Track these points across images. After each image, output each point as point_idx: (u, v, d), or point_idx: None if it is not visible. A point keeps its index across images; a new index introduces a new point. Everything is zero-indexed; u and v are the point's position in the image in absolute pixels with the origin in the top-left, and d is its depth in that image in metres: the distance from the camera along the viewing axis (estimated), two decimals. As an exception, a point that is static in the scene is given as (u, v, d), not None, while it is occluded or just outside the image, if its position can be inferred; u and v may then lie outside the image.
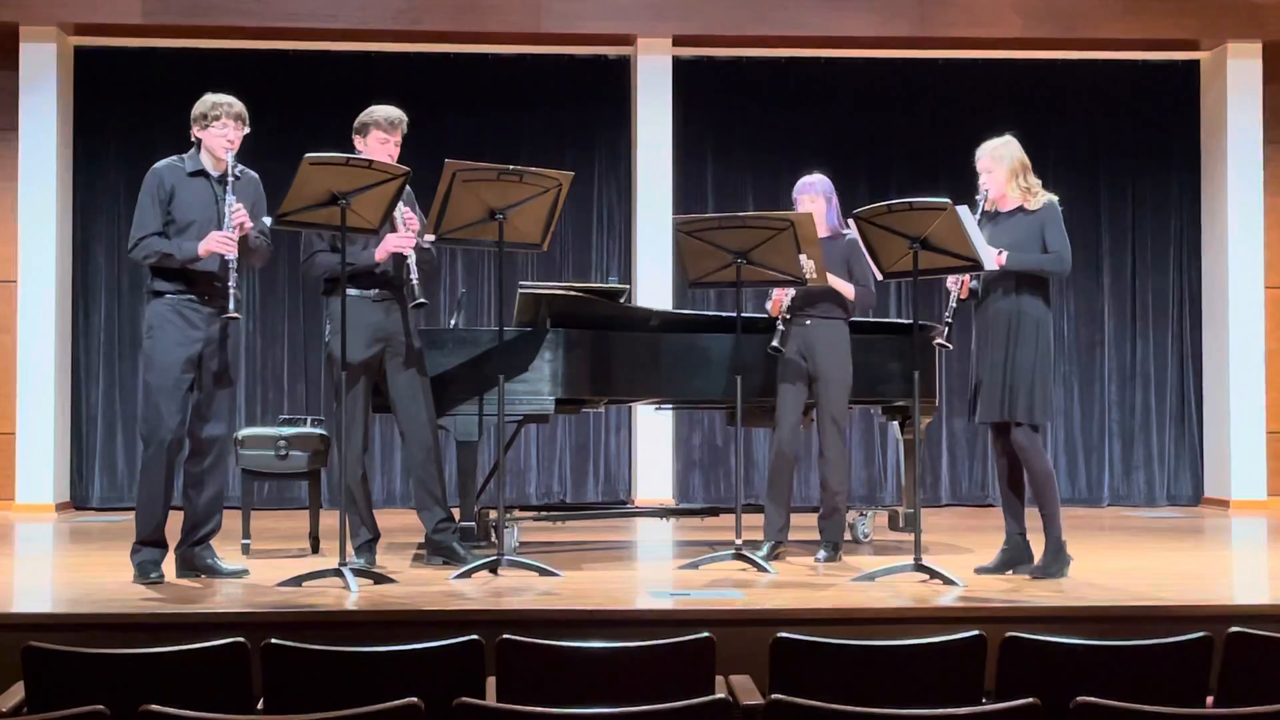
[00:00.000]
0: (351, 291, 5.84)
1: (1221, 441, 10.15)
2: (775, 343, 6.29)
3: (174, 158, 5.74)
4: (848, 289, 6.36)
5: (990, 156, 5.86)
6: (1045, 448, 5.86)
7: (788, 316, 6.36)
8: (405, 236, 5.86)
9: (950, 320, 5.82)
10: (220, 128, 5.63)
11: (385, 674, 3.52)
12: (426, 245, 6.06)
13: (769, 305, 6.48)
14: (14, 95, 9.62)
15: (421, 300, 5.83)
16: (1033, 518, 5.89)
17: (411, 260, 5.86)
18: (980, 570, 5.90)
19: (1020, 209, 5.83)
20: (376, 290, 6.00)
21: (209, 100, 5.68)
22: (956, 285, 5.84)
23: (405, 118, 6.09)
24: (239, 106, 5.68)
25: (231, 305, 5.54)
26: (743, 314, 6.22)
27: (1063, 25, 9.80)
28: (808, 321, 6.38)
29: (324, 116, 9.97)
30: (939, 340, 5.83)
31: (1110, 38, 9.93)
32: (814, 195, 6.41)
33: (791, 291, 6.31)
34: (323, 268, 6.00)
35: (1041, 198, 5.82)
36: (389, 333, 6.02)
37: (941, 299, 9.95)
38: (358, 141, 6.05)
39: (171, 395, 5.56)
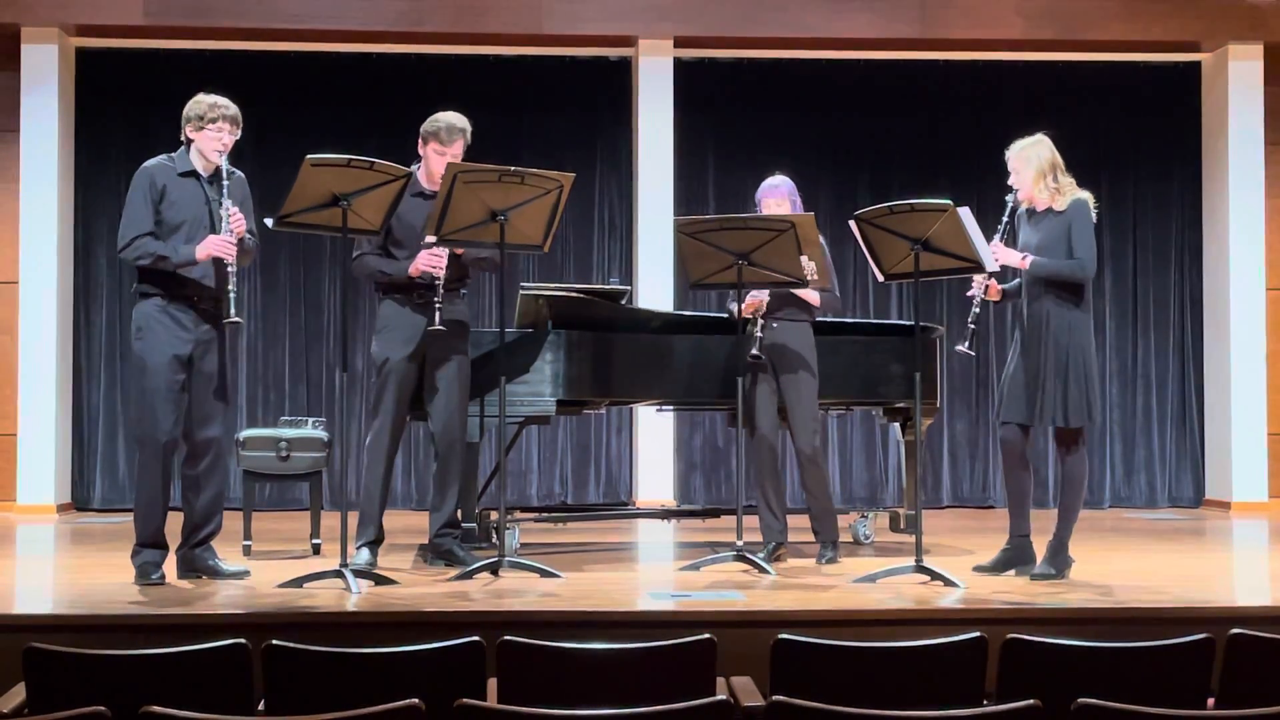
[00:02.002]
0: (397, 296, 6.07)
1: (1223, 443, 10.14)
2: (755, 350, 6.22)
3: (163, 157, 5.71)
4: (812, 295, 6.36)
5: (1018, 157, 5.83)
6: (1086, 448, 5.83)
7: (762, 319, 6.31)
8: (436, 256, 5.88)
9: (974, 326, 5.79)
10: (215, 130, 5.61)
11: (386, 675, 3.52)
12: (483, 255, 6.10)
13: (732, 305, 6.40)
14: (15, 96, 9.62)
15: (439, 328, 5.85)
16: (1039, 518, 5.89)
17: (439, 282, 5.88)
18: (978, 569, 5.90)
19: (1050, 209, 5.81)
20: (418, 293, 6.04)
21: (205, 102, 5.65)
22: (980, 290, 5.81)
23: (468, 127, 6.09)
24: (234, 109, 5.66)
25: (232, 311, 5.52)
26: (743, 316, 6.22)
27: (1064, 27, 9.80)
28: (774, 325, 6.37)
29: (325, 118, 10.02)
30: (961, 347, 5.78)
31: (1111, 39, 9.93)
32: (780, 198, 6.38)
33: (766, 294, 6.28)
34: (364, 270, 6.06)
35: (1069, 198, 5.77)
36: (432, 336, 6.03)
37: (942, 302, 10.05)
38: (420, 148, 6.12)
39: (164, 396, 5.55)
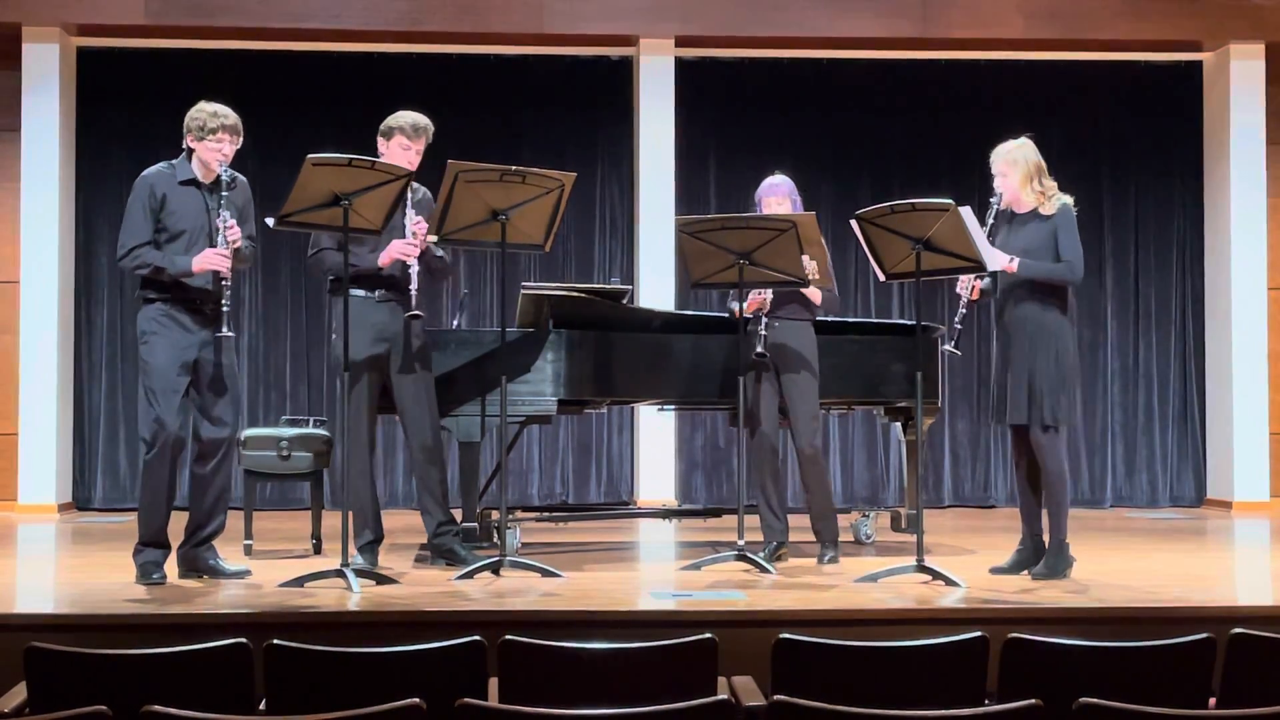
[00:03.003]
0: (356, 292, 5.88)
1: (1224, 442, 10.14)
2: (760, 348, 6.23)
3: (163, 165, 5.71)
4: (814, 293, 6.36)
5: (1005, 160, 5.84)
6: (1063, 449, 5.85)
7: (765, 317, 6.31)
8: (410, 245, 5.86)
9: (960, 326, 5.81)
10: (216, 142, 5.60)
11: (387, 675, 3.52)
12: (439, 255, 6.08)
13: (733, 305, 6.39)
14: (16, 96, 9.62)
15: (417, 313, 5.83)
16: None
17: (414, 269, 5.86)
18: (995, 570, 5.91)
19: (1035, 213, 5.82)
20: (381, 291, 6.01)
21: (205, 111, 5.63)
22: (966, 290, 5.83)
23: (431, 126, 6.09)
24: (234, 119, 5.65)
25: (224, 327, 5.55)
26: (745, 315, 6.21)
27: (1065, 26, 9.80)
28: (776, 324, 6.37)
29: (326, 117, 10.02)
30: (948, 348, 5.82)
31: (1113, 39, 9.93)
32: (780, 197, 6.38)
33: (769, 293, 6.28)
34: (327, 265, 6.01)
35: (1055, 201, 5.79)
36: (394, 333, 6.02)
37: (943, 301, 10.04)
38: (380, 144, 6.07)
39: (170, 397, 5.55)
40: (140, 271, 5.60)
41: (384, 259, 5.93)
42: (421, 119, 6.08)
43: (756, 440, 6.40)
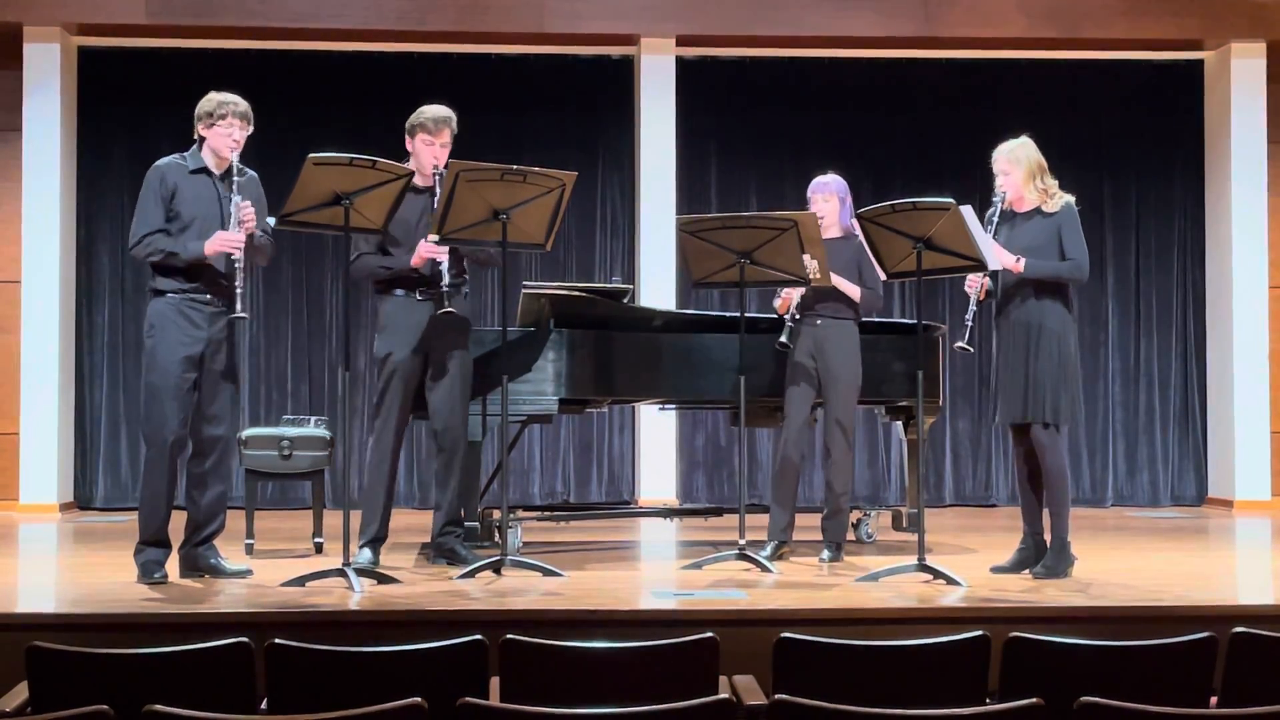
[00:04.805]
0: (399, 293, 6.05)
1: (1226, 442, 10.14)
2: (783, 338, 6.28)
3: (175, 156, 5.74)
4: (854, 290, 6.35)
5: (1007, 159, 5.85)
6: (1064, 447, 5.86)
7: (797, 316, 6.35)
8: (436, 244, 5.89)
9: (970, 323, 5.82)
10: (226, 127, 5.64)
11: (389, 674, 3.52)
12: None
13: (776, 303, 6.48)
14: (18, 95, 9.63)
15: (449, 309, 5.86)
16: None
17: (444, 266, 5.88)
18: (996, 569, 5.91)
19: (1038, 211, 5.82)
20: (421, 290, 6.04)
21: (215, 99, 5.69)
22: (975, 289, 5.84)
23: (453, 116, 6.12)
24: (244, 105, 5.69)
25: (238, 306, 5.55)
26: (746, 314, 6.22)
27: (1067, 25, 9.80)
28: (818, 321, 6.37)
29: (328, 117, 10.02)
30: (960, 344, 5.81)
31: (1114, 38, 9.93)
32: (828, 195, 6.41)
33: (801, 290, 6.30)
34: (365, 270, 6.04)
35: (1058, 200, 5.81)
36: (435, 333, 6.03)
37: (945, 300, 10.04)
38: (408, 143, 6.12)
39: (173, 395, 5.56)
40: (152, 259, 5.61)
41: (415, 260, 5.96)
42: (442, 111, 6.10)
43: (783, 460, 6.39)
